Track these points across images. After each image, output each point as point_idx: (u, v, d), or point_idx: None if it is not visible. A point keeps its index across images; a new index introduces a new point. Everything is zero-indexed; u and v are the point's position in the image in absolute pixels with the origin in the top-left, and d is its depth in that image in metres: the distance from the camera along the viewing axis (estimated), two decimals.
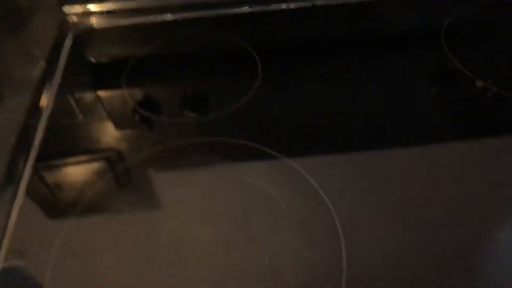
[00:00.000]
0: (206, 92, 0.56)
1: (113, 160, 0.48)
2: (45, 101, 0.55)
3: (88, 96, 0.58)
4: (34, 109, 0.54)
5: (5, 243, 0.41)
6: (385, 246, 0.39)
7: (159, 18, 0.67)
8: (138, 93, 0.56)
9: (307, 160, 0.46)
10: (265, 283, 0.37)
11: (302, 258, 0.39)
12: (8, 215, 0.43)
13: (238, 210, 0.43)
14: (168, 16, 0.68)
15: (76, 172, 0.48)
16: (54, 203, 0.45)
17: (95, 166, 0.48)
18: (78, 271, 0.39)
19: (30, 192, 0.45)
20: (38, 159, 0.48)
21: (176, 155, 0.48)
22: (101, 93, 0.58)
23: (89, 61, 0.64)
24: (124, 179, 0.47)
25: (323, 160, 0.47)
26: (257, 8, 0.67)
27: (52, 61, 0.61)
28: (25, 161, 0.48)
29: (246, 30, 0.64)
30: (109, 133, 0.52)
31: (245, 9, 0.67)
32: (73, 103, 0.57)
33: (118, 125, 0.53)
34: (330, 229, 0.40)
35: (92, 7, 0.67)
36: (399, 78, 0.56)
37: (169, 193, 0.45)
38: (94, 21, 0.67)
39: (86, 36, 0.66)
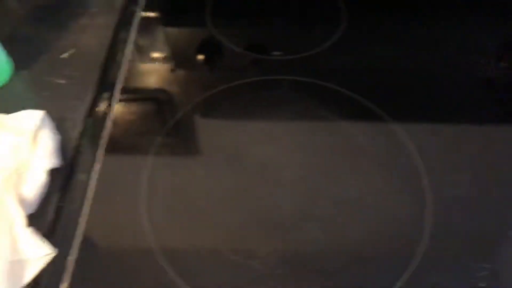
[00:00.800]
0: (290, 32, 0.56)
1: (202, 88, 0.49)
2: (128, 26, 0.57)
3: (164, 28, 0.59)
4: (118, 33, 0.55)
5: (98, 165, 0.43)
6: (470, 214, 0.39)
7: None
8: (222, 31, 0.56)
9: (397, 111, 0.45)
10: (346, 220, 0.39)
11: (385, 206, 0.39)
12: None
13: (321, 148, 0.43)
14: None
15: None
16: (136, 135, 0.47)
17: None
18: (168, 196, 0.40)
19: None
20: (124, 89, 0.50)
21: (262, 89, 0.48)
22: (178, 29, 0.58)
23: None
24: (210, 107, 0.48)
25: (415, 115, 0.46)
26: None
27: None
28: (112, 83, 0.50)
29: None
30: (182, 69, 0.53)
31: None
32: (155, 35, 0.58)
33: (203, 61, 0.54)
34: (416, 184, 0.40)
35: None
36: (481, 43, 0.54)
37: (255, 123, 0.46)
38: None
39: None
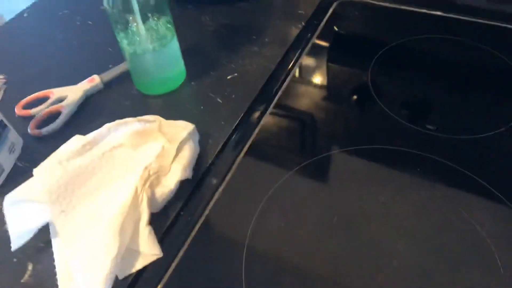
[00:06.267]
0: (455, 107, 0.51)
1: (344, 131, 0.50)
2: (293, 57, 0.59)
3: (327, 64, 0.60)
4: (284, 63, 0.58)
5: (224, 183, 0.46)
6: None
7: (425, 10, 0.64)
8: (380, 82, 0.55)
9: None
10: None
11: None
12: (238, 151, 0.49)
13: (444, 238, 0.39)
14: (437, 12, 0.63)
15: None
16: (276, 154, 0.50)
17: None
18: (276, 222, 0.42)
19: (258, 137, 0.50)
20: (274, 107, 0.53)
21: (398, 158, 0.46)
22: (344, 68, 0.59)
23: (343, 34, 0.65)
24: (350, 155, 0.48)
25: None
26: None
27: (311, 24, 0.64)
28: (266, 108, 0.53)
29: None
30: (330, 105, 0.53)
31: None
32: (314, 66, 0.59)
33: (342, 102, 0.54)
34: None
35: None
36: None
37: (380, 191, 0.44)
38: None
39: (348, 9, 0.67)
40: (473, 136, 0.47)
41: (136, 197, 0.40)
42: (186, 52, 0.56)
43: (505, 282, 0.36)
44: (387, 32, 0.62)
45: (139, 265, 0.38)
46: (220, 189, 0.45)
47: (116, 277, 0.38)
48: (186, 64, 0.57)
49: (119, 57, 0.58)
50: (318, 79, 0.58)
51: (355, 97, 0.55)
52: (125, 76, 0.57)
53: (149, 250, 0.39)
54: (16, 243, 0.39)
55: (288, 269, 0.39)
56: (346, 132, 0.50)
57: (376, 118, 0.51)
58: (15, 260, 0.40)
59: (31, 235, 0.39)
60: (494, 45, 0.57)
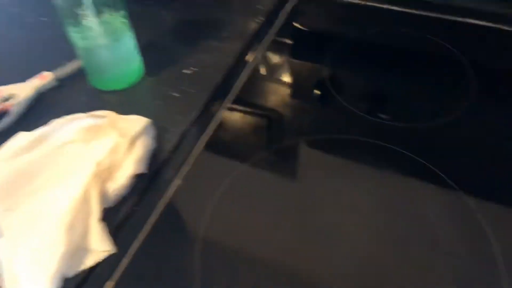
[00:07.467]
0: (403, 97, 0.53)
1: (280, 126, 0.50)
2: (251, 52, 0.59)
3: (287, 59, 0.60)
4: (242, 58, 0.58)
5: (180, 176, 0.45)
6: None
7: (379, 5, 0.65)
8: (337, 76, 0.55)
9: (486, 201, 0.40)
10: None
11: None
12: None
13: (395, 222, 0.40)
14: (388, 6, 0.65)
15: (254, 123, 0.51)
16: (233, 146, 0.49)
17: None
18: (233, 213, 0.42)
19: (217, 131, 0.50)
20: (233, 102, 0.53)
21: (351, 148, 0.46)
22: (302, 63, 0.59)
23: (302, 29, 0.65)
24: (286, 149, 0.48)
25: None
26: (481, 23, 0.60)
27: (270, 18, 0.64)
28: (222, 101, 0.53)
29: (465, 42, 0.58)
30: (289, 100, 0.54)
31: (469, 20, 0.60)
32: (274, 61, 0.60)
33: (301, 96, 0.54)
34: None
35: None
36: None
37: (332, 181, 0.44)
38: None
39: (307, 4, 0.67)
40: (425, 124, 0.48)
41: (86, 193, 0.39)
42: (145, 48, 0.55)
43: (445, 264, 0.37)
44: (346, 27, 0.63)
45: (90, 262, 0.37)
46: (176, 182, 0.44)
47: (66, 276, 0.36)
48: (144, 60, 0.56)
49: (74, 53, 0.57)
50: (277, 74, 0.58)
51: (314, 91, 0.55)
52: (81, 73, 0.56)
53: (100, 247, 0.37)
54: None
55: (245, 259, 0.38)
56: (302, 123, 0.51)
57: (333, 111, 0.52)
58: None
59: None
60: (444, 38, 0.59)
